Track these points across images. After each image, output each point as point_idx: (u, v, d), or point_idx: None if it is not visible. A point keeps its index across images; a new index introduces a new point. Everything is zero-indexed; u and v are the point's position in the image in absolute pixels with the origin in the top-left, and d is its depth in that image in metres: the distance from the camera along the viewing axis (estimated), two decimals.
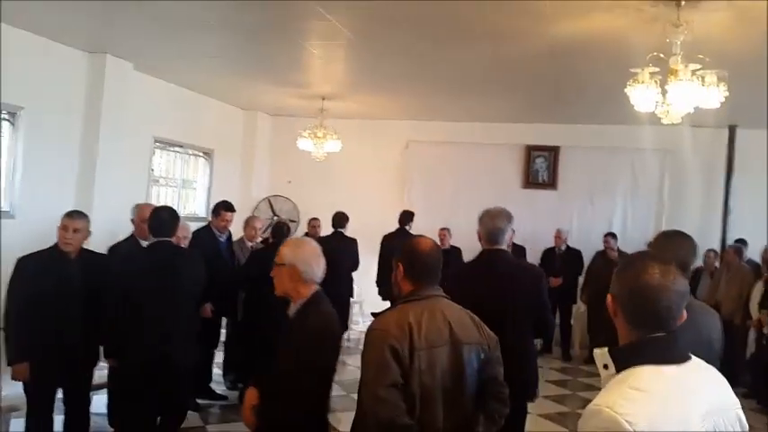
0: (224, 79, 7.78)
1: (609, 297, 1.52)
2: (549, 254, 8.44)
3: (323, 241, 7.31)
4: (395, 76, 7.00)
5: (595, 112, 8.11)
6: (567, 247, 8.35)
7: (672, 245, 2.41)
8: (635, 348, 1.45)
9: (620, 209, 9.09)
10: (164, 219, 3.86)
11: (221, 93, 8.75)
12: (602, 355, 1.47)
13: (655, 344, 1.44)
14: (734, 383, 5.23)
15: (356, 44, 5.69)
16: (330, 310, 2.61)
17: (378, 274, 7.95)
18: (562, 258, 8.26)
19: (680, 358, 1.45)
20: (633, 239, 8.73)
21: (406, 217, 7.98)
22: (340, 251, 6.96)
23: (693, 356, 1.50)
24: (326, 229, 7.73)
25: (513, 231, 3.51)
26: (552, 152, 9.34)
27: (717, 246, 8.31)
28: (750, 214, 8.48)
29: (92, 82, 6.61)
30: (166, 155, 8.67)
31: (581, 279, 8.40)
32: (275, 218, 9.36)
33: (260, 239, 6.39)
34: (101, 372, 4.32)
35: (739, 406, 1.50)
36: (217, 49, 6.23)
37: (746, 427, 1.50)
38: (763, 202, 8.58)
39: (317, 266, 2.64)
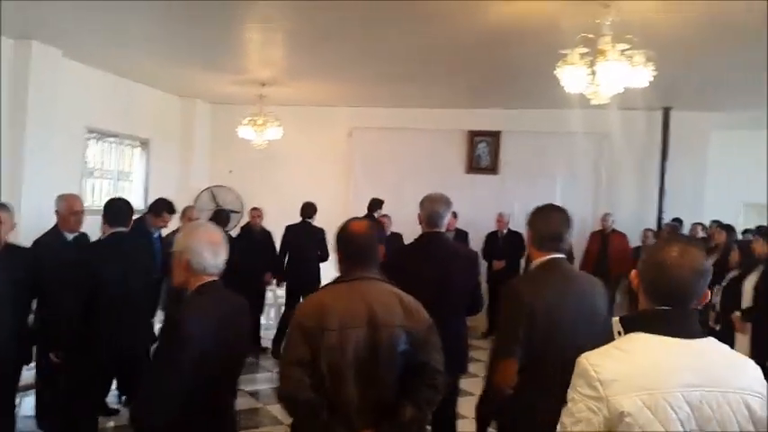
0: (159, 66, 7.54)
1: (633, 272, 1.64)
2: (491, 237, 8.55)
3: (287, 230, 7.40)
4: (334, 61, 6.93)
5: (533, 97, 8.21)
6: (509, 230, 8.45)
7: (546, 218, 2.55)
8: (642, 318, 1.58)
9: (559, 192, 9.22)
10: (120, 209, 3.86)
11: (156, 80, 8.49)
12: (615, 322, 1.60)
13: (661, 315, 1.54)
14: None
15: (293, 28, 5.60)
16: (220, 299, 2.32)
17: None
18: (504, 241, 8.36)
19: (686, 333, 1.52)
20: (573, 222, 8.93)
21: (375, 204, 7.94)
22: (306, 240, 6.96)
23: (712, 338, 1.57)
24: (269, 220, 7.61)
25: (456, 216, 3.67)
26: (494, 137, 9.44)
27: (653, 225, 8.58)
28: (684, 194, 8.79)
29: (17, 71, 6.29)
30: (101, 145, 8.37)
31: (523, 261, 8.53)
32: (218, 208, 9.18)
33: None
34: (29, 372, 4.15)
35: (752, 392, 1.50)
36: (150, 33, 6.03)
37: (759, 414, 1.49)
38: (697, 182, 8.92)
39: (210, 256, 2.31)
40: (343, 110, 9.69)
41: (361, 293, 2.25)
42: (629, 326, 1.57)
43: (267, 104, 8.44)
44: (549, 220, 2.57)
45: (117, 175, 8.73)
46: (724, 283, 5.43)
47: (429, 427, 3.32)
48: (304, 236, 6.91)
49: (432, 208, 3.55)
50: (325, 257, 6.95)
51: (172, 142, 9.59)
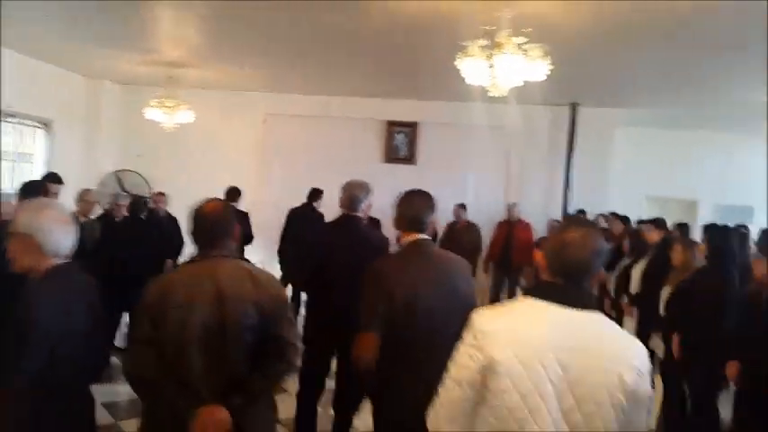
0: (61, 43, 7.16)
1: (538, 253, 1.83)
2: None
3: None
4: (246, 44, 6.77)
5: (447, 89, 8.30)
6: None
7: (409, 201, 2.72)
8: (537, 287, 1.73)
9: (472, 183, 9.47)
10: None
11: (59, 58, 8.06)
12: (520, 295, 1.76)
13: (555, 285, 1.67)
14: None
15: (203, 7, 5.43)
16: (72, 282, 2.22)
17: (279, 251, 7.75)
18: None
19: (574, 304, 1.63)
20: (486, 212, 9.20)
21: (315, 194, 7.87)
22: None
23: (601, 314, 1.67)
24: (179, 205, 7.36)
25: (370, 205, 3.79)
26: (411, 128, 9.54)
27: (559, 217, 8.91)
28: (589, 187, 9.17)
29: None
30: None
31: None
32: (124, 193, 8.82)
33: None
34: None
35: (630, 366, 1.57)
36: (50, 7, 5.71)
37: (632, 388, 1.56)
38: (601, 175, 9.33)
39: (62, 237, 2.19)
40: (257, 95, 9.50)
41: (210, 270, 2.24)
42: (527, 292, 1.72)
43: (179, 87, 8.18)
44: (412, 204, 2.71)
45: (17, 157, 8.26)
46: (617, 272, 5.72)
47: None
48: None
49: (351, 192, 3.74)
50: (248, 240, 6.91)
51: (77, 124, 9.14)
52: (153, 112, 7.93)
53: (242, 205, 7.20)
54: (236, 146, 9.61)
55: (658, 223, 5.21)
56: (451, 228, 8.50)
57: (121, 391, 4.36)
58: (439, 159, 9.48)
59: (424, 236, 2.73)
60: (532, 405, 1.53)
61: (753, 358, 3.38)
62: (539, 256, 1.79)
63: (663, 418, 4.79)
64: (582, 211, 8.61)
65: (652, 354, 4.81)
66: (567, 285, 1.67)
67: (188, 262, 2.36)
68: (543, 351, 1.55)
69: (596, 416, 1.54)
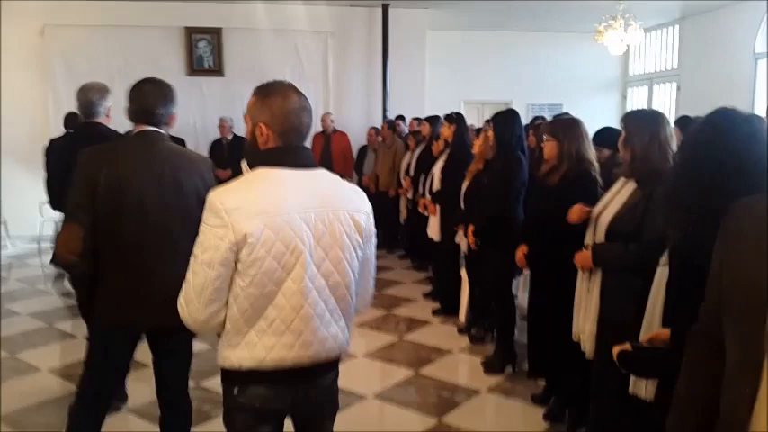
0: None
1: (259, 126, 1.75)
2: (216, 145, 7.99)
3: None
4: None
5: None
6: (235, 135, 7.93)
7: (140, 91, 2.49)
8: (263, 155, 1.75)
9: None
10: None
11: None
12: (244, 166, 1.76)
13: (282, 150, 1.74)
14: (394, 247, 6.95)
15: None
16: None
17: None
18: (230, 148, 7.84)
19: (301, 165, 1.74)
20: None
21: (72, 119, 6.79)
22: None
23: (324, 169, 1.81)
24: None
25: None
26: (215, 35, 8.71)
27: (380, 123, 8.70)
28: (407, 92, 9.03)
29: None
30: None
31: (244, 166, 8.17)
32: None
33: None
34: None
35: (358, 210, 1.80)
36: None
37: (364, 226, 1.81)
38: (418, 80, 9.21)
39: None
40: (30, 3, 8.12)
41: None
42: (253, 164, 1.73)
43: None
44: (141, 93, 2.48)
45: None
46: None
47: None
48: None
49: (84, 97, 3.43)
50: None
51: None
52: None
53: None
54: (7, 63, 8.22)
55: (450, 119, 5.06)
56: None
57: None
58: (250, 69, 8.76)
59: (153, 128, 2.46)
60: (287, 265, 1.66)
61: (537, 241, 3.32)
62: (263, 127, 1.75)
63: (469, 309, 4.84)
64: (400, 117, 8.44)
65: (457, 249, 4.78)
66: (296, 148, 1.76)
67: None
68: (289, 215, 1.66)
69: (342, 258, 1.75)
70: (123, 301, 2.38)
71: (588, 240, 2.72)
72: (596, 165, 3.16)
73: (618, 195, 2.63)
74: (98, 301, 2.44)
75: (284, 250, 1.64)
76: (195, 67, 8.75)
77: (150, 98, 2.44)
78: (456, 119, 4.98)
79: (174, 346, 2.53)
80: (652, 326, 2.24)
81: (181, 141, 7.51)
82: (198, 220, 1.88)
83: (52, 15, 8.26)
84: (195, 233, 1.85)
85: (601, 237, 2.63)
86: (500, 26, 10.29)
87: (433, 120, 6.19)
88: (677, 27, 10.19)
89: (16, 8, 8.12)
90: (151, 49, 8.52)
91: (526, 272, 3.97)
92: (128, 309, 2.38)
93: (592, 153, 3.18)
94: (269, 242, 1.62)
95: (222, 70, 8.80)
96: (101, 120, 3.48)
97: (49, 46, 8.34)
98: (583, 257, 2.67)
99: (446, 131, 4.96)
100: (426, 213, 5.34)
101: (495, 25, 10.18)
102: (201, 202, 2.16)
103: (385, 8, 8.71)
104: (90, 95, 3.42)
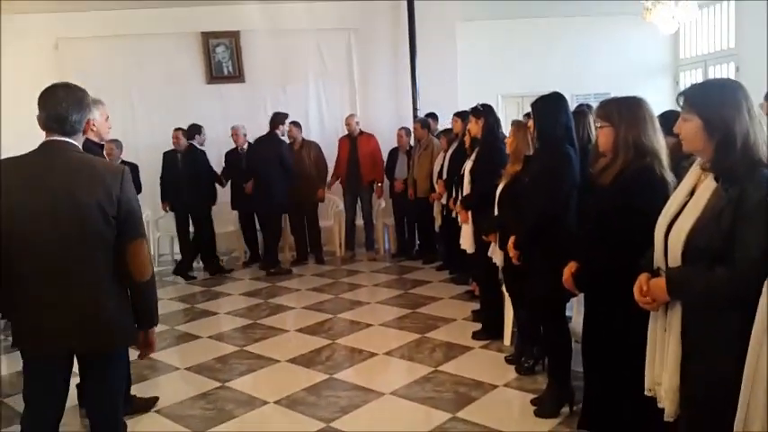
0: None
1: None
2: (232, 155, 7.56)
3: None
4: None
5: None
6: (249, 143, 7.47)
7: (49, 96, 2.37)
8: None
9: (313, 95, 8.49)
10: None
11: None
12: None
13: None
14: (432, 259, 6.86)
15: None
16: None
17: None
18: (246, 157, 7.38)
19: None
20: (330, 126, 8.31)
21: (278, 119, 7.03)
22: None
23: None
24: None
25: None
26: (233, 38, 8.27)
27: (410, 122, 8.12)
28: (438, 88, 8.40)
29: None
30: None
31: None
32: None
33: None
34: None
35: None
36: None
37: None
38: (449, 75, 8.56)
39: None
40: (44, 17, 7.85)
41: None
42: None
43: None
44: (54, 98, 2.34)
45: None
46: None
47: None
48: None
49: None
50: None
51: None
52: None
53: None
54: (22, 79, 7.92)
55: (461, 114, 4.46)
56: (290, 150, 7.49)
57: None
58: (271, 73, 8.36)
59: (62, 137, 2.31)
60: None
61: (589, 257, 2.65)
62: None
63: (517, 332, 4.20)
64: (432, 115, 7.84)
65: (495, 265, 4.14)
66: None
67: None
68: None
69: None
70: (32, 331, 2.29)
71: (659, 262, 2.05)
72: (664, 158, 2.48)
73: (695, 199, 1.97)
74: (14, 330, 2.39)
75: None
76: (214, 74, 8.32)
77: (63, 104, 2.30)
78: (483, 111, 4.35)
79: (95, 372, 2.43)
80: (757, 383, 1.61)
81: (202, 153, 7.20)
82: (104, 233, 2.25)
83: (66, 28, 7.96)
84: (102, 247, 2.25)
85: (676, 257, 1.94)
86: (536, 13, 9.54)
87: (463, 114, 5.60)
88: (731, 2, 9.28)
89: (31, 23, 7.87)
90: (167, 57, 8.16)
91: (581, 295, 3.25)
92: (37, 337, 2.29)
93: (659, 142, 2.48)
94: None
95: (243, 75, 8.36)
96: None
97: (63, 59, 8.03)
98: (655, 287, 2.00)
99: (473, 127, 4.35)
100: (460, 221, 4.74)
101: (530, 12, 9.45)
102: (105, 215, 2.24)
103: (410, 1, 8.12)
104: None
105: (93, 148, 3.13)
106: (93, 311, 2.27)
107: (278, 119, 7.09)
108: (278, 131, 7.05)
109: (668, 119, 2.74)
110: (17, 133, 6.69)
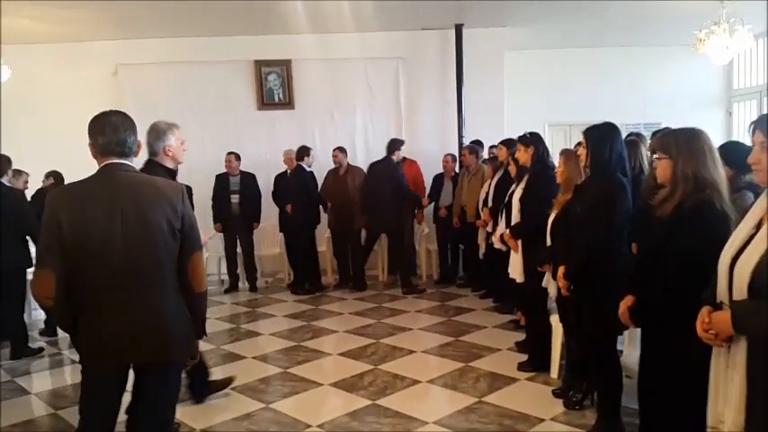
0: None
1: None
2: (280, 179, 7.71)
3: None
4: None
5: (320, 20, 7.42)
6: (297, 166, 7.58)
7: (101, 122, 2.42)
8: None
9: (360, 122, 8.60)
10: None
11: None
12: None
13: None
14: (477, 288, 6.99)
15: None
16: None
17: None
18: (295, 181, 7.49)
19: None
20: (376, 153, 8.39)
21: (394, 144, 7.31)
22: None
23: None
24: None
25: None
26: (284, 66, 8.47)
27: (456, 150, 8.13)
28: (485, 115, 8.41)
29: None
30: None
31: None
32: None
33: None
34: None
35: None
36: None
37: None
38: (496, 102, 8.56)
39: None
40: (103, 44, 8.22)
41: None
42: None
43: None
44: (111, 125, 2.41)
45: None
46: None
47: None
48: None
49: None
50: None
51: None
52: None
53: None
54: (82, 104, 8.18)
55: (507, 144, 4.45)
56: (332, 175, 7.59)
57: None
58: (320, 101, 8.52)
59: (119, 160, 2.42)
60: None
61: (647, 290, 2.58)
62: None
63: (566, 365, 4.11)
64: (477, 142, 7.84)
65: (545, 291, 4.08)
66: None
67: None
68: None
69: None
70: (98, 343, 2.34)
71: (722, 296, 2.00)
72: (724, 191, 2.42)
73: (763, 231, 1.91)
74: (78, 344, 2.43)
75: None
76: (266, 101, 8.52)
77: (122, 128, 2.40)
78: (532, 139, 4.33)
79: (153, 384, 2.47)
80: None
81: (251, 176, 7.37)
82: (170, 246, 2.37)
83: (125, 55, 8.30)
84: (169, 260, 2.37)
85: (742, 290, 1.88)
86: (586, 43, 9.51)
87: (509, 143, 5.58)
88: None
89: (93, 50, 8.25)
90: (222, 83, 8.42)
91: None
92: (104, 351, 2.35)
93: (719, 175, 2.42)
94: None
95: (292, 102, 8.54)
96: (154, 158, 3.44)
97: (122, 85, 8.35)
98: (719, 321, 1.93)
99: (522, 155, 4.33)
100: (503, 248, 4.69)
101: (579, 42, 9.43)
102: (173, 231, 2.37)
103: (458, 29, 8.19)
104: (147, 136, 3.41)
105: (160, 172, 3.18)
106: (159, 322, 2.37)
107: (394, 144, 7.33)
108: (393, 157, 7.27)
109: (730, 151, 2.69)
110: (79, 159, 7.01)
